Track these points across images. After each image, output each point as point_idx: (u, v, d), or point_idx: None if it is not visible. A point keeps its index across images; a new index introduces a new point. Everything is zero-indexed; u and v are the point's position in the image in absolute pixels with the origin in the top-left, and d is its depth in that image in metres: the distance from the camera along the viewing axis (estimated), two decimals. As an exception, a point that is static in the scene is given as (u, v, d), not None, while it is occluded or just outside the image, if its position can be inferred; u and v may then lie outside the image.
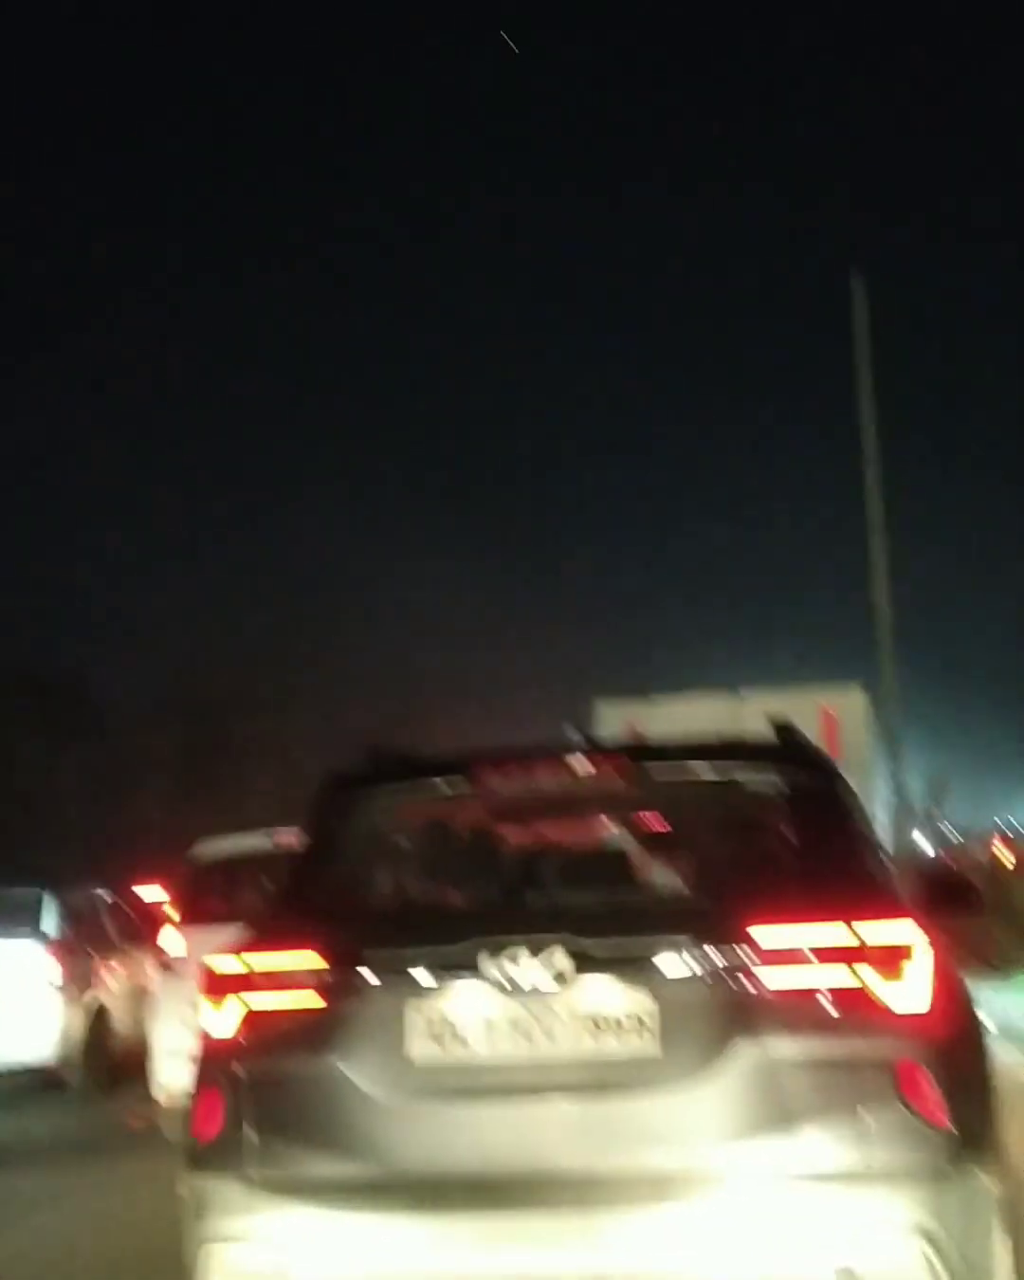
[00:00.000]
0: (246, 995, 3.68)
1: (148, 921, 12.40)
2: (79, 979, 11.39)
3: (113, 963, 12.19)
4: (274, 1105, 3.58)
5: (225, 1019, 3.70)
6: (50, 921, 11.34)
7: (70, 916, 11.62)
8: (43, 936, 11.25)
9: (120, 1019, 11.74)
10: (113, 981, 12.04)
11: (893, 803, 20.77)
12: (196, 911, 9.51)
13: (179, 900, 10.17)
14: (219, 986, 3.75)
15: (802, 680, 15.63)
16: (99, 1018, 11.56)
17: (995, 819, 30.93)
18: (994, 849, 24.42)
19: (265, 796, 26.57)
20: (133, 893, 15.26)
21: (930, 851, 30.08)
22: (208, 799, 27.94)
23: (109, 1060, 11.49)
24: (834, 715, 13.26)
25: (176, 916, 9.94)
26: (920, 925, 3.61)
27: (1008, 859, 21.03)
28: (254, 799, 27.02)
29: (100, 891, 13.06)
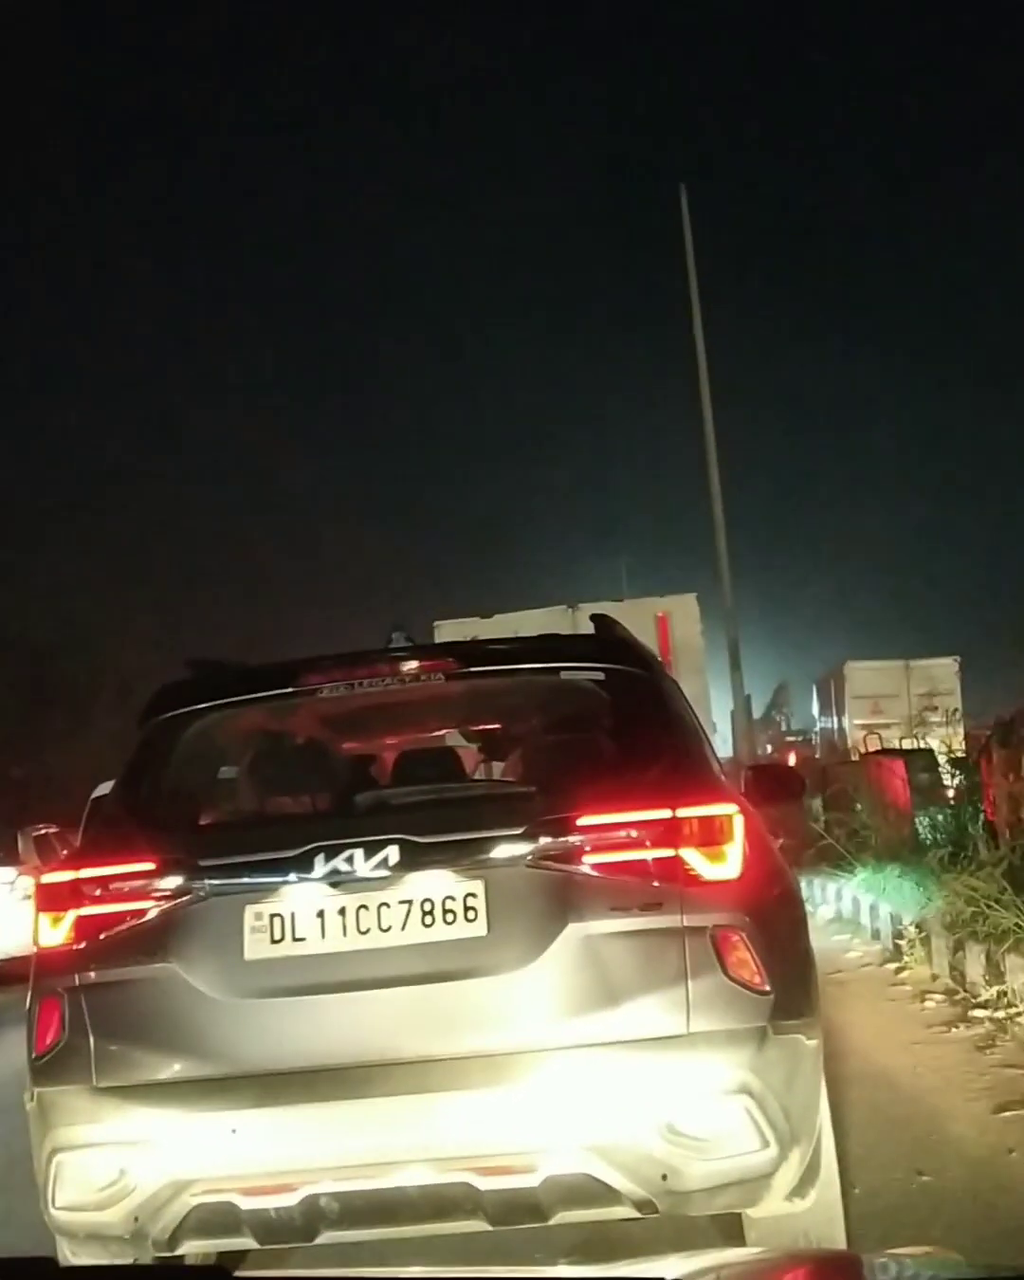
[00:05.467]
0: (81, 907, 3.70)
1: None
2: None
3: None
4: (113, 1013, 3.61)
5: (60, 931, 3.72)
6: (24, 850, 15.32)
7: (36, 847, 15.41)
8: (18, 862, 15.02)
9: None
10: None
11: (732, 708, 21.31)
12: None
13: (85, 835, 11.43)
14: (53, 899, 3.77)
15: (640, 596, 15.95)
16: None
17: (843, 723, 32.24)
18: (851, 751, 25.27)
19: (104, 734, 26.24)
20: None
21: (770, 751, 31.08)
22: (51, 739, 27.50)
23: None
24: (666, 619, 13.56)
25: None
26: (735, 803, 3.76)
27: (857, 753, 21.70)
28: (93, 738, 26.67)
29: (49, 827, 16.42)
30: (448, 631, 13.70)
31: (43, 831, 16.09)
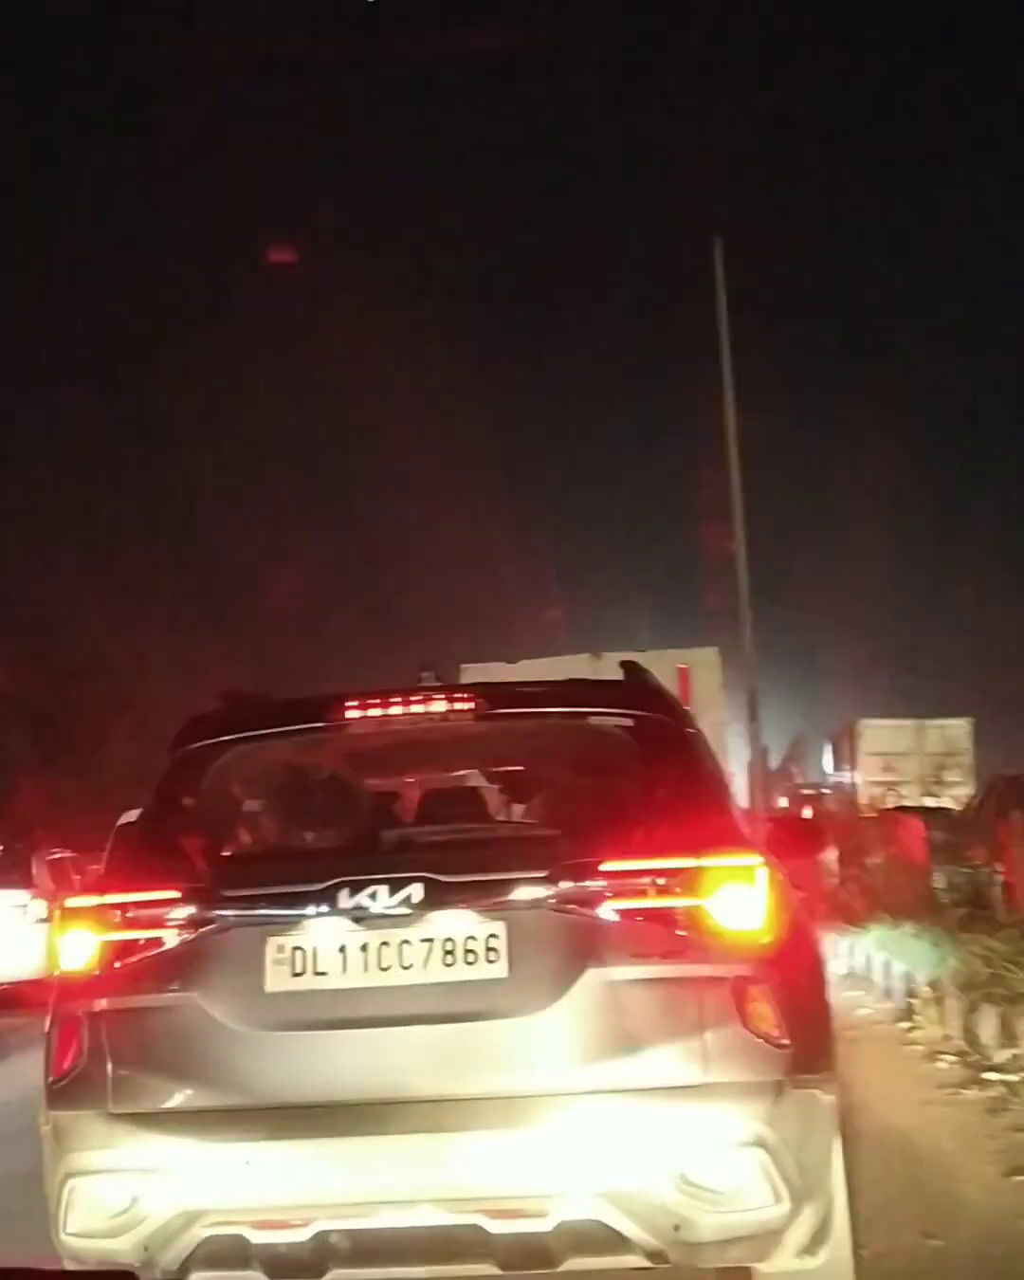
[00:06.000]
0: (104, 933, 3.71)
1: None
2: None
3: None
4: (131, 1039, 3.62)
5: (82, 956, 3.73)
6: (37, 874, 15.30)
7: (49, 872, 15.45)
8: (32, 885, 15.02)
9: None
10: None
11: (750, 759, 21.27)
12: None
13: (110, 862, 11.53)
14: (76, 924, 3.78)
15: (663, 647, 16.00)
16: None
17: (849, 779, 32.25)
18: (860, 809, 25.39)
19: (119, 761, 26.32)
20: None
21: (785, 805, 31.03)
22: (65, 764, 27.55)
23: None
24: (687, 672, 13.62)
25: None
26: (760, 855, 3.76)
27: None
28: (108, 765, 26.75)
29: (63, 852, 16.70)
30: (474, 675, 13.70)
31: (57, 856, 16.20)
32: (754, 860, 3.69)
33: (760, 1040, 3.50)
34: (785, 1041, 3.51)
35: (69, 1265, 3.69)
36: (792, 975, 3.67)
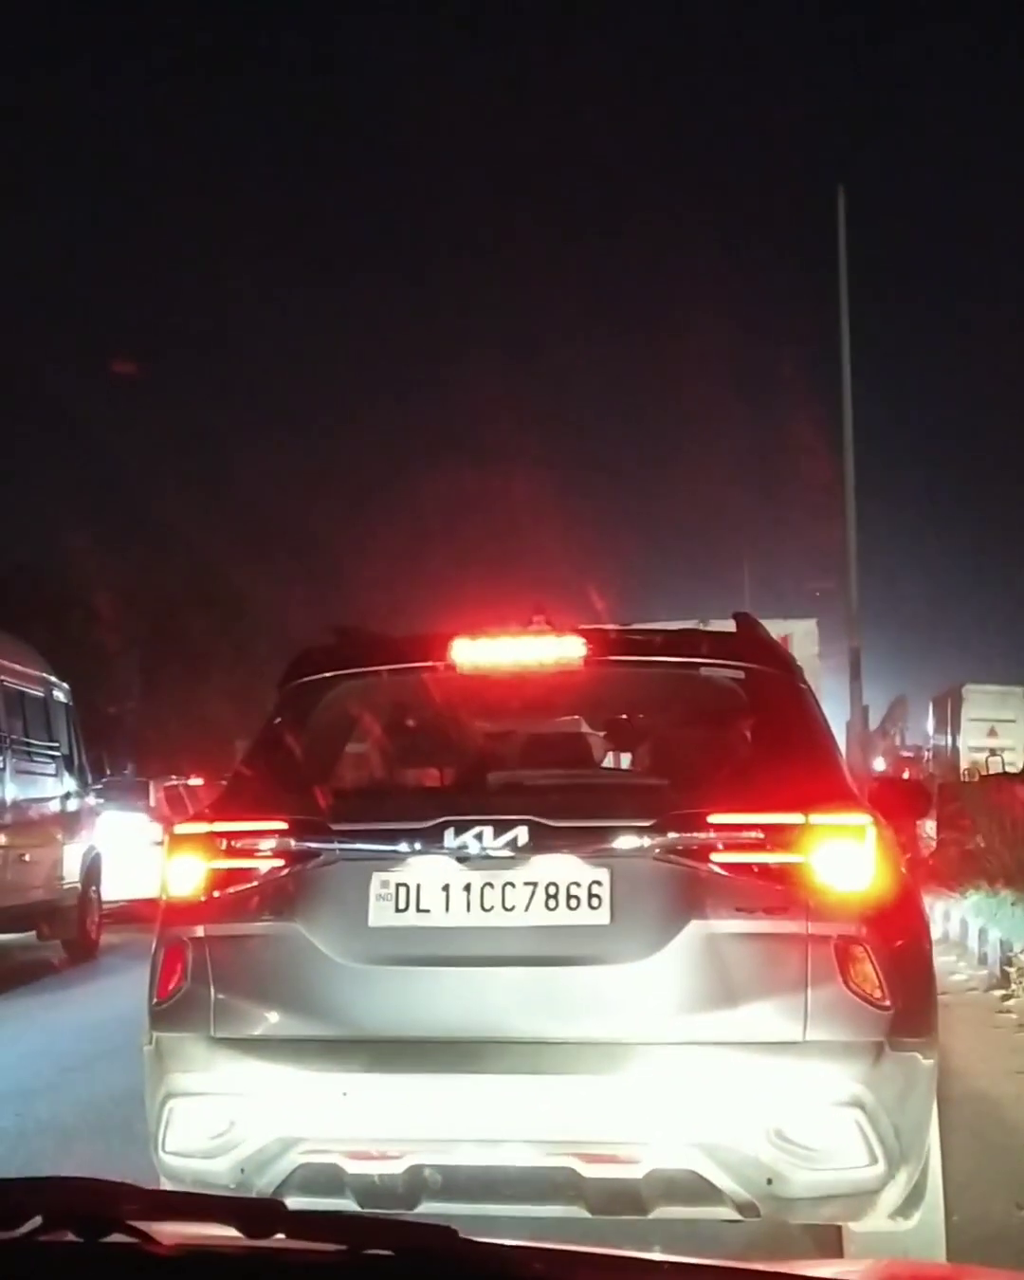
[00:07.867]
0: (213, 860, 3.75)
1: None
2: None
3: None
4: (235, 965, 3.66)
5: (190, 881, 3.77)
6: (155, 799, 16.69)
7: (165, 797, 16.85)
8: (149, 810, 16.32)
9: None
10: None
11: (849, 720, 21.09)
12: None
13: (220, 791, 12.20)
14: (185, 850, 3.83)
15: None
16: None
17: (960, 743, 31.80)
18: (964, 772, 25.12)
19: (220, 693, 26.67)
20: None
21: (881, 766, 30.83)
22: (170, 694, 27.97)
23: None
24: (788, 641, 13.78)
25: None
26: (869, 814, 3.71)
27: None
28: (213, 695, 27.12)
29: (179, 779, 18.21)
30: None
31: (172, 782, 17.02)
32: (863, 818, 3.64)
33: (862, 1000, 3.46)
34: (887, 1003, 3.47)
35: (166, 1183, 3.76)
36: (896, 937, 3.62)
